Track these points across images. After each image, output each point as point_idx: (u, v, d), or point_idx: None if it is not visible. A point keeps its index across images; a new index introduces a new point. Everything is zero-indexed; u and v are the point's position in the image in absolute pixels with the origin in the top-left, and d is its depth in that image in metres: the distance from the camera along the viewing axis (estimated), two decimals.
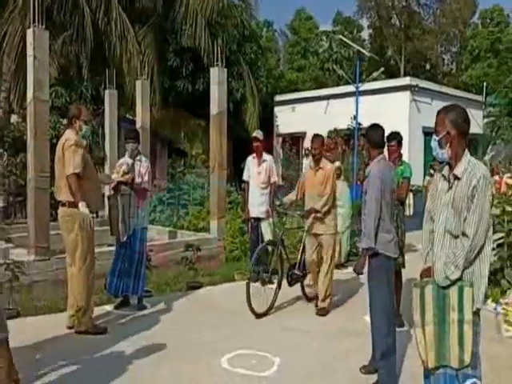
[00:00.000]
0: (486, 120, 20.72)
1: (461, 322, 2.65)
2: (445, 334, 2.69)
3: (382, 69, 13.80)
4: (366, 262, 3.78)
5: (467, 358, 2.65)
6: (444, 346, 2.69)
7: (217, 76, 7.86)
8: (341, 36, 18.09)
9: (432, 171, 7.42)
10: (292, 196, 5.80)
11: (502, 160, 15.53)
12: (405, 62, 35.05)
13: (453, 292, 2.69)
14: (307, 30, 28.45)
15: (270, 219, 6.88)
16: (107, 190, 5.78)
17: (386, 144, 4.79)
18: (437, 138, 2.75)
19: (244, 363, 4.05)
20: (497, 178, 9.26)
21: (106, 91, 10.52)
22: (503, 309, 4.62)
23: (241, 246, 7.70)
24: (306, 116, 18.18)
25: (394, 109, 15.70)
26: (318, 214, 5.35)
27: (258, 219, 6.81)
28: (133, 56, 13.30)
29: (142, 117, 9.33)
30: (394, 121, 14.66)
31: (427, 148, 16.26)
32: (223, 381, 3.77)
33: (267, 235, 6.78)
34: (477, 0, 38.00)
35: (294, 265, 5.71)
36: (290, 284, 5.71)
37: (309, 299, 5.83)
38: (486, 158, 17.59)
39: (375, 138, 3.91)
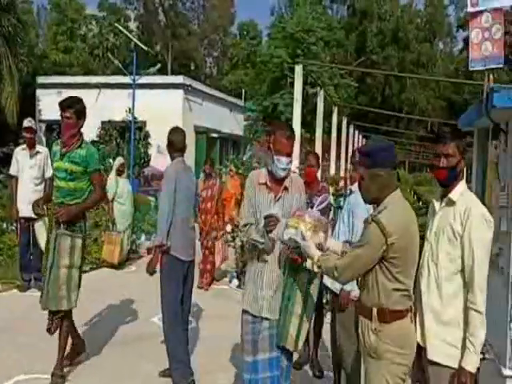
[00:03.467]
0: (245, 123, 22.97)
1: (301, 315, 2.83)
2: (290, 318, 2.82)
3: (159, 65, 13.91)
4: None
5: (300, 346, 2.87)
6: (287, 329, 2.81)
7: None
8: (116, 24, 17.38)
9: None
10: None
11: (260, 160, 17.32)
12: (172, 60, 35.96)
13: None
14: (74, 11, 26.33)
15: (46, 218, 6.16)
16: None
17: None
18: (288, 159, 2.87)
19: None
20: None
21: None
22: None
23: (5, 251, 6.66)
24: None
25: (169, 105, 16.07)
26: None
27: (30, 219, 6.03)
28: None
29: None
30: (169, 117, 14.94)
31: (198, 146, 17.15)
32: None
33: (41, 236, 6.06)
34: (235, 12, 42.00)
35: None
36: None
37: None
38: (244, 158, 19.38)
39: (176, 142, 3.97)
